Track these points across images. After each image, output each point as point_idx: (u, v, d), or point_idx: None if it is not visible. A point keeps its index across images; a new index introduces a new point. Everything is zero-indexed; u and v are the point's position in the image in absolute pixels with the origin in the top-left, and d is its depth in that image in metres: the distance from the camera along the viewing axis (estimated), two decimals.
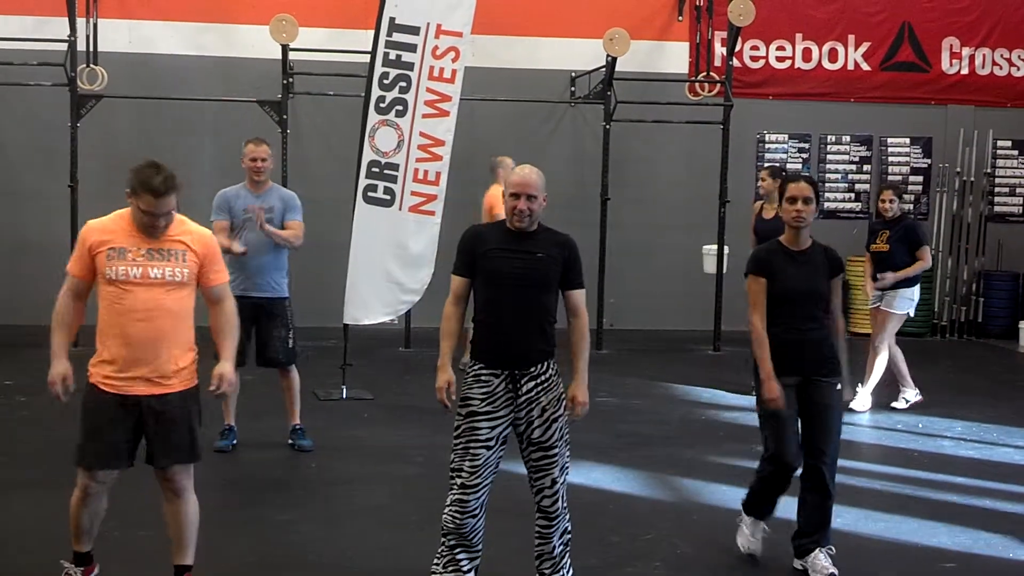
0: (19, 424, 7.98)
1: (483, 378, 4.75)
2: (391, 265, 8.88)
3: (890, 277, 8.81)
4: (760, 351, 5.26)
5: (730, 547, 5.72)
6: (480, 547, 4.86)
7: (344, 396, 8.99)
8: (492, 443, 4.73)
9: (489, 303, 4.77)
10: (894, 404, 9.01)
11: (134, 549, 5.34)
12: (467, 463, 4.71)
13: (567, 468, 4.85)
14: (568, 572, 4.91)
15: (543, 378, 4.76)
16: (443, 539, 4.82)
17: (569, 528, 4.89)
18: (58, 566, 4.80)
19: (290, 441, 7.47)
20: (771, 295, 5.32)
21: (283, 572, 5.28)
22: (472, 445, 4.72)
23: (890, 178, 13.79)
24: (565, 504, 4.85)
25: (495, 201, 10.20)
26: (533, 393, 4.74)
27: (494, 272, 4.73)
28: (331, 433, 7.89)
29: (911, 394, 9.16)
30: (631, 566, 5.43)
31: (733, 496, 6.63)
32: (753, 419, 8.62)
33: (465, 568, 4.82)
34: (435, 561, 4.87)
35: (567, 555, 4.90)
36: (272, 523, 5.95)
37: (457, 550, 4.80)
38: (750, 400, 9.28)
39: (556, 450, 4.77)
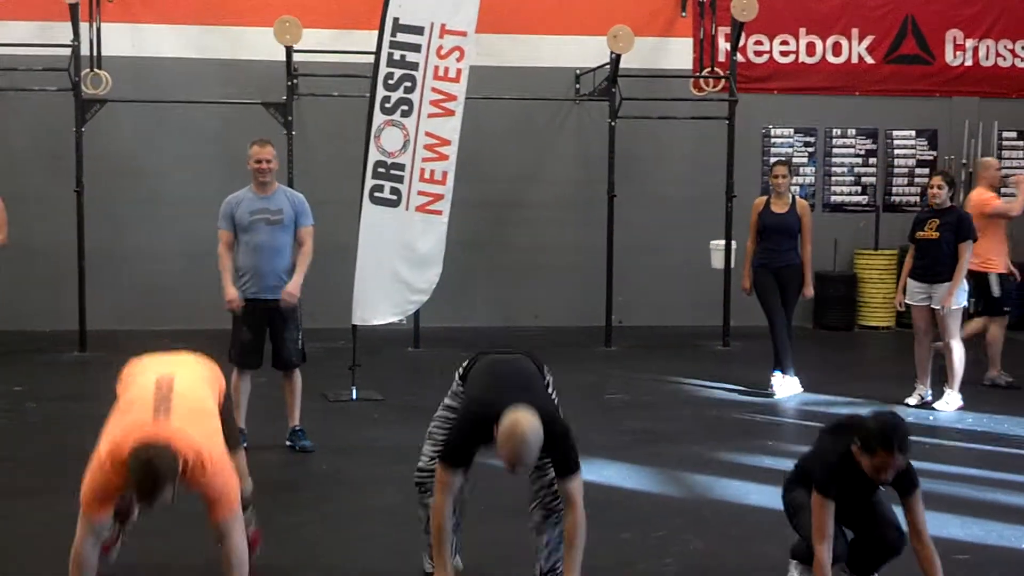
0: (28, 431, 7.98)
1: None
2: (399, 265, 8.88)
3: (950, 298, 8.66)
4: None
5: (742, 543, 5.72)
6: (455, 529, 4.80)
7: (354, 397, 8.98)
8: None
9: None
10: (908, 400, 8.97)
11: (141, 553, 5.32)
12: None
13: None
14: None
15: None
16: (425, 533, 4.86)
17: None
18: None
19: (289, 443, 7.45)
20: None
21: (293, 573, 5.28)
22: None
23: (896, 170, 13.78)
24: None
25: (981, 207, 9.81)
26: None
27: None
28: (341, 434, 7.90)
29: (926, 392, 9.10)
30: (643, 563, 5.42)
31: (745, 492, 6.64)
32: (763, 415, 8.67)
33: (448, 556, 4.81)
34: (425, 557, 4.93)
35: (560, 551, 4.85)
36: (282, 524, 5.94)
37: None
38: (761, 396, 9.33)
39: None
